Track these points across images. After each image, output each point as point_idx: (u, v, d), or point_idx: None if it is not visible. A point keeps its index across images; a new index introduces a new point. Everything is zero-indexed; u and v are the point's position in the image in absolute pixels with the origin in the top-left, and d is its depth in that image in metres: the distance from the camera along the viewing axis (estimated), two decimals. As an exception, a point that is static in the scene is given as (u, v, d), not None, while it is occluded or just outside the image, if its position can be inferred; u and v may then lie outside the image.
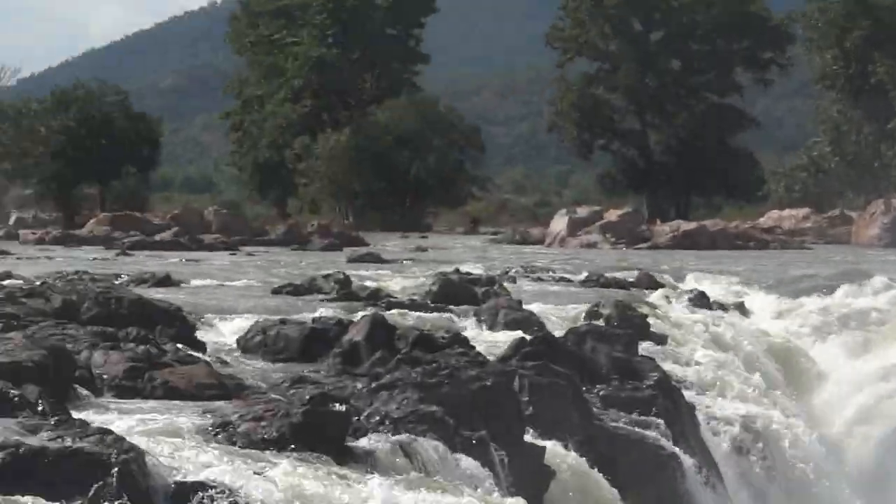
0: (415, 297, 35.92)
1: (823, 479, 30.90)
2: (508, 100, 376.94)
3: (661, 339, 32.91)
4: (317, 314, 28.67)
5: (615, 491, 21.04)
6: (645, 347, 30.36)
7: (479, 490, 16.89)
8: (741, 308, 45.47)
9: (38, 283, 29.19)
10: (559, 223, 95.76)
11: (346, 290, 37.14)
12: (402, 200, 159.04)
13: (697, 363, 32.81)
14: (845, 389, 41.59)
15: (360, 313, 27.45)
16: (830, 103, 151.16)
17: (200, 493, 13.98)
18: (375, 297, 35.59)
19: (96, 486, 13.00)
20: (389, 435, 17.70)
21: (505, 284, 38.81)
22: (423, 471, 17.10)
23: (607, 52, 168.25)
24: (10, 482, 12.70)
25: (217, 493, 14.07)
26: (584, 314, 33.38)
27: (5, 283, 29.82)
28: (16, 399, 15.86)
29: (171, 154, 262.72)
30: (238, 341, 25.74)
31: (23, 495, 12.28)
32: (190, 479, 14.28)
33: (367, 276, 44.95)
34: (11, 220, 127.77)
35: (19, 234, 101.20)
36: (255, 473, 15.00)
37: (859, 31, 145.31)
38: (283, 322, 25.94)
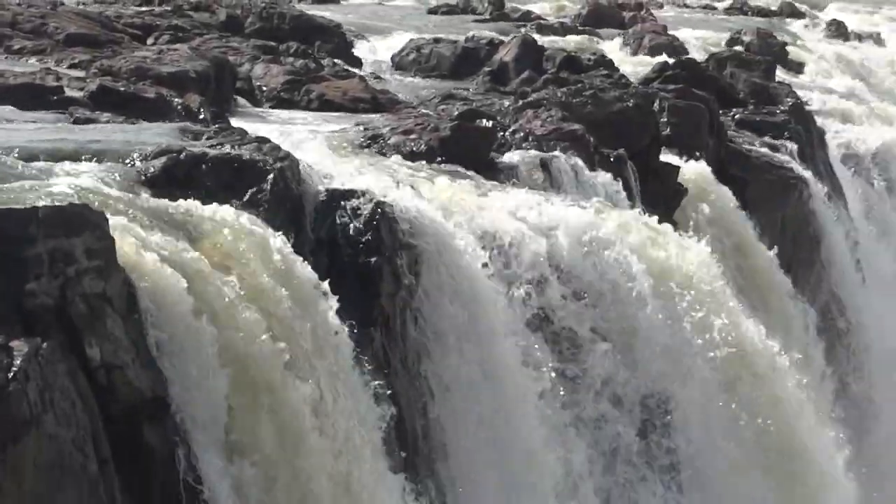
0: (564, 20, 35.62)
1: None
2: None
3: (798, 67, 32.55)
4: (469, 34, 28.44)
5: (742, 212, 21.13)
6: (782, 75, 30.03)
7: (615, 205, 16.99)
8: (877, 38, 44.90)
9: None
10: None
11: (499, 12, 36.88)
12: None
13: (832, 91, 32.47)
14: None
15: (512, 34, 27.25)
16: None
17: (350, 200, 14.01)
18: (527, 18, 35.27)
19: (251, 191, 13.09)
20: (533, 151, 17.70)
21: (651, 10, 38.18)
22: (559, 186, 17.18)
23: None
24: (172, 185, 12.82)
25: (365, 200, 14.11)
26: (725, 41, 32.94)
27: None
28: (179, 107, 15.90)
29: None
30: (392, 58, 25.74)
31: (184, 199, 12.31)
32: (340, 186, 14.37)
33: None
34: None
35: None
36: (401, 183, 15.08)
37: None
38: (436, 41, 25.89)
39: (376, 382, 12.42)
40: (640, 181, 18.98)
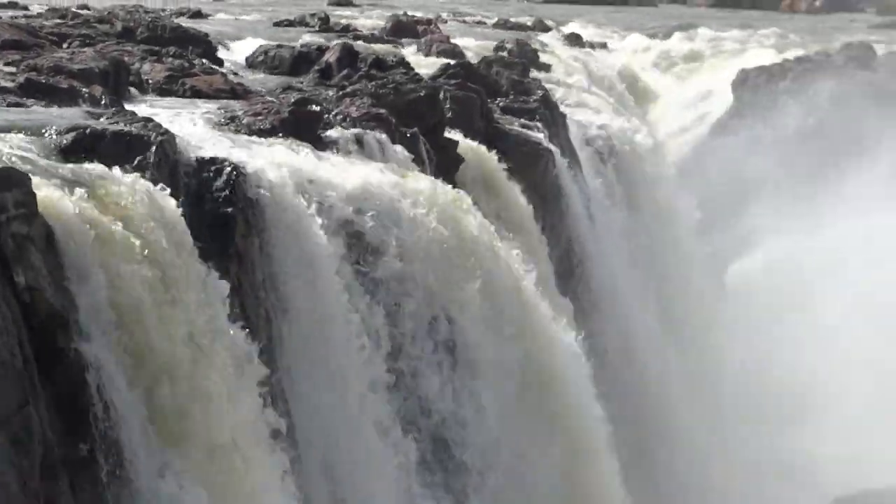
0: (374, 32, 35.72)
1: (648, 165, 31.25)
2: None
3: (546, 68, 32.90)
4: (303, 41, 28.51)
5: (503, 170, 21.32)
6: (534, 73, 30.35)
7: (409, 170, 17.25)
8: (604, 47, 45.40)
9: (106, 13, 29.10)
10: None
11: (325, 25, 36.91)
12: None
13: (570, 85, 32.87)
14: (672, 107, 41.82)
15: (335, 41, 27.35)
16: None
17: (213, 166, 14.08)
18: (346, 30, 35.31)
19: (139, 158, 13.04)
20: (349, 129, 17.71)
21: (439, 25, 38.32)
22: (370, 156, 17.22)
23: None
24: (79, 154, 12.81)
25: (225, 166, 14.13)
26: (493, 47, 33.19)
27: (82, 12, 29.53)
28: (86, 95, 15.86)
29: None
30: (246, 59, 25.74)
31: (89, 163, 12.37)
32: (206, 155, 14.34)
33: (341, 16, 44.40)
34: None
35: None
36: (252, 153, 15.03)
37: None
38: (279, 46, 25.88)
39: (231, 300, 12.44)
40: (429, 152, 19.10)
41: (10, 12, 31.85)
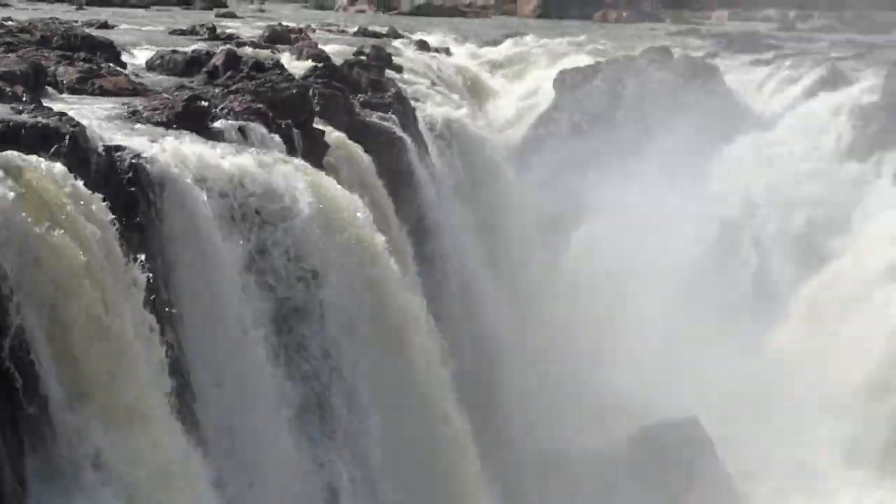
0: (254, 39, 35.51)
1: (486, 149, 31.72)
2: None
3: (398, 69, 32.95)
4: (194, 47, 28.29)
5: (367, 156, 21.43)
6: (390, 73, 30.41)
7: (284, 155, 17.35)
8: (447, 51, 45.48)
9: (26, 23, 28.68)
10: None
11: (213, 34, 36.56)
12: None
13: (419, 83, 33.03)
14: (504, 102, 42.18)
15: (220, 48, 27.23)
16: None
17: (119, 153, 14.12)
18: (230, 38, 34.99)
19: (55, 146, 13.03)
20: (233, 121, 17.66)
21: (308, 34, 38.14)
22: (251, 144, 17.21)
23: None
24: (5, 143, 12.66)
25: (128, 153, 14.18)
26: (353, 52, 33.20)
27: (6, 23, 29.04)
28: (9, 93, 15.71)
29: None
30: (146, 63, 25.39)
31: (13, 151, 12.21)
32: (113, 143, 14.35)
33: (226, 26, 43.97)
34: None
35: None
36: (151, 141, 15.03)
37: None
38: (174, 52, 25.57)
39: (137, 257, 12.57)
40: (301, 141, 19.16)
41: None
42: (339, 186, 17.55)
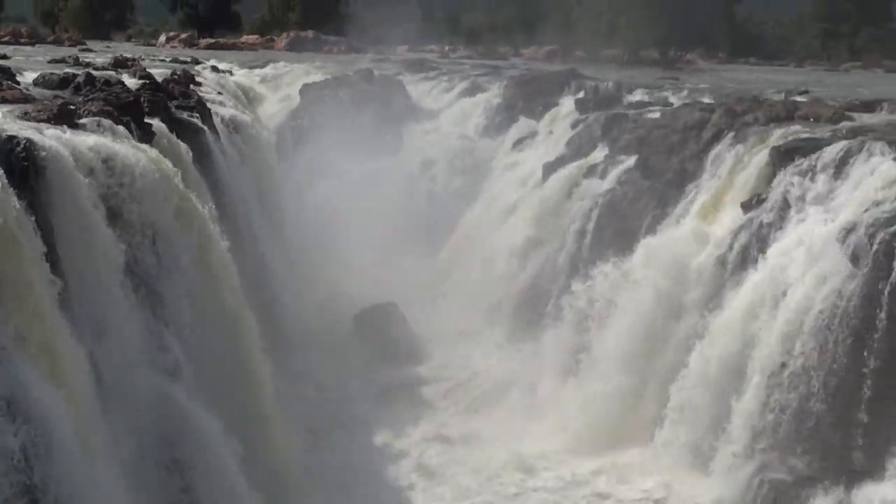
0: (104, 65, 33.51)
1: (259, 137, 30.59)
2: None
3: (199, 84, 31.97)
4: (64, 71, 26.67)
5: (180, 141, 20.09)
6: (193, 87, 29.38)
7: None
8: (230, 72, 44.36)
9: None
10: (163, 37, 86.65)
11: (77, 62, 34.67)
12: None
13: (212, 93, 32.11)
14: (268, 104, 41.60)
15: (82, 70, 25.87)
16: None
17: (12, 141, 13.29)
18: (88, 65, 32.98)
19: None
20: (93, 117, 16.93)
21: (139, 61, 36.14)
22: (105, 133, 16.36)
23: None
24: None
25: (22, 139, 13.41)
26: (170, 73, 31.91)
27: None
28: None
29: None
30: (33, 81, 23.76)
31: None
32: (10, 133, 13.55)
33: (86, 57, 41.21)
34: None
35: None
36: (38, 132, 14.25)
37: None
38: (52, 73, 24.21)
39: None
40: (137, 131, 18.38)
41: None
42: (165, 159, 17.00)
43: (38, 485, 9.68)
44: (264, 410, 17.69)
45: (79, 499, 10.29)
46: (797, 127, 20.64)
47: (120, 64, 33.77)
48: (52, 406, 10.55)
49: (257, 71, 48.31)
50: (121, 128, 17.57)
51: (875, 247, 14.31)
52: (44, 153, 13.46)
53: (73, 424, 10.72)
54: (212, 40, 77.96)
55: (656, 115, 26.79)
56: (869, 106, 24.38)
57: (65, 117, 16.16)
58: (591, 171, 25.58)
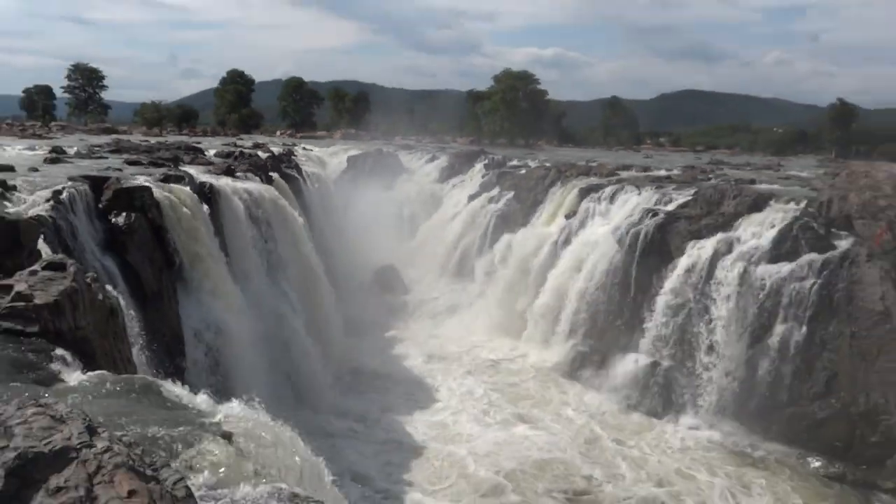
0: (249, 146, 29.30)
1: (327, 180, 28.74)
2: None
3: (296, 155, 29.26)
4: (228, 149, 23.72)
5: (285, 183, 18.87)
6: (294, 157, 27.06)
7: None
8: (312, 149, 40.61)
9: (165, 142, 23.84)
10: (278, 132, 76.11)
11: (234, 145, 31.05)
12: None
13: (302, 159, 29.75)
14: (331, 166, 37.51)
15: (237, 149, 23.76)
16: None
17: (205, 186, 12.64)
18: (239, 146, 29.47)
19: (185, 180, 11.83)
20: (243, 171, 15.92)
21: (267, 145, 32.46)
22: (248, 179, 15.76)
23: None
24: (168, 181, 11.45)
25: (207, 181, 12.90)
26: (282, 150, 28.69)
27: (157, 139, 23.68)
28: (166, 164, 14.08)
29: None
30: (215, 154, 20.82)
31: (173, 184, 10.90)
32: (199, 181, 13.01)
33: (240, 142, 37.30)
34: None
35: None
36: (216, 179, 13.74)
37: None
38: (222, 150, 22.37)
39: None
40: (263, 178, 17.07)
41: None
42: (277, 192, 16.63)
43: (219, 361, 10.84)
44: (327, 317, 17.71)
45: (238, 359, 11.24)
46: (592, 178, 22.59)
47: (256, 146, 32.03)
48: (227, 321, 11.58)
49: (326, 149, 46.35)
50: (256, 177, 17.51)
51: (629, 238, 16.90)
52: (218, 188, 13.73)
53: (235, 328, 11.46)
54: (302, 133, 76.83)
55: (523, 171, 27.28)
56: (626, 167, 25.97)
57: (228, 172, 16.33)
58: (490, 200, 25.90)
